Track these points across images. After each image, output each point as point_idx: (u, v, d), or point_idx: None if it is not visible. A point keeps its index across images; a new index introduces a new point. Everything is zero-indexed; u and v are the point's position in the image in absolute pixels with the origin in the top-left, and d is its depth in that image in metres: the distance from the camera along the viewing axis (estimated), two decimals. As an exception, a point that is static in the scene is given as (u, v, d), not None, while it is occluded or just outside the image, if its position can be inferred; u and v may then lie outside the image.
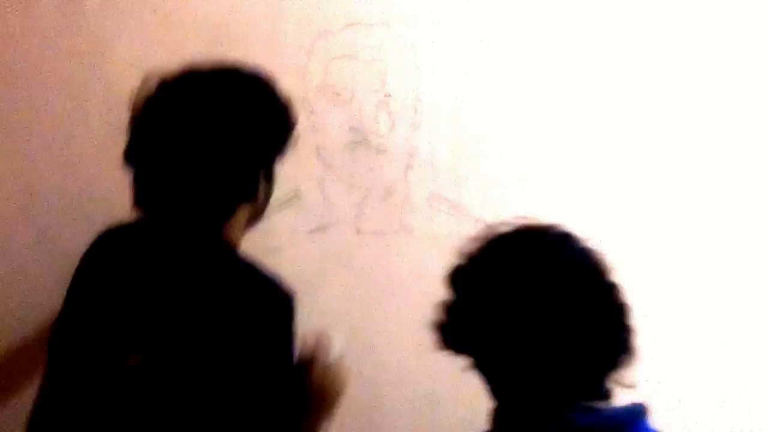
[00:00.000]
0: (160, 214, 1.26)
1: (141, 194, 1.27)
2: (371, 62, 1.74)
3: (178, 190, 1.24)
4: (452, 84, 1.78)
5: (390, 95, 1.74)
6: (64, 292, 1.34)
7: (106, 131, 1.58)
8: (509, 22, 1.80)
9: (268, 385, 1.24)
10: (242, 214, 1.31)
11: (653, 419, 1.10)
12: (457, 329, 1.21)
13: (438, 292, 1.76)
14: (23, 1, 1.55)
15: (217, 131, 1.23)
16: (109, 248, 1.31)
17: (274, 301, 1.26)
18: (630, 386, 1.11)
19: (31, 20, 1.56)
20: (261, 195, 1.33)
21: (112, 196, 1.59)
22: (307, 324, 1.63)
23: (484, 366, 1.18)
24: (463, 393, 1.77)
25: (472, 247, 1.21)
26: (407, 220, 1.77)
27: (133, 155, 1.27)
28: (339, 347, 1.34)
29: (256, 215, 1.36)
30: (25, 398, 1.59)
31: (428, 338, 1.76)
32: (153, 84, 1.27)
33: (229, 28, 1.47)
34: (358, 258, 1.70)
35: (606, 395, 1.10)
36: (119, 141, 1.53)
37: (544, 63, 1.82)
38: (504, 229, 1.21)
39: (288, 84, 1.41)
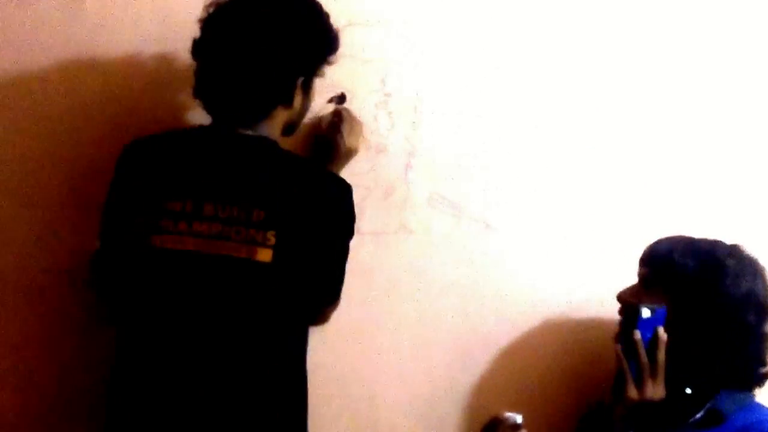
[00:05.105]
0: (213, 105, 1.49)
1: (199, 86, 1.48)
2: (371, 62, 1.73)
3: (227, 86, 1.45)
4: (452, 84, 1.78)
5: (390, 95, 1.74)
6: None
7: (105, 129, 1.58)
8: (509, 22, 1.81)
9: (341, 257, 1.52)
10: (279, 117, 1.50)
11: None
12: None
13: (438, 291, 1.77)
14: None
15: (265, 39, 1.43)
16: (158, 145, 1.48)
17: (338, 182, 1.52)
18: None
19: (30, 18, 1.56)
20: (297, 104, 1.51)
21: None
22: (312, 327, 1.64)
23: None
24: (462, 392, 1.78)
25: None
26: (407, 220, 1.76)
27: (197, 51, 1.48)
28: None
29: (291, 123, 1.55)
30: (26, 396, 1.60)
31: (427, 338, 1.77)
32: None
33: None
34: (358, 258, 1.70)
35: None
36: (119, 139, 1.55)
37: (544, 63, 1.82)
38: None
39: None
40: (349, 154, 1.66)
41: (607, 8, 1.85)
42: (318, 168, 1.56)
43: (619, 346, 1.48)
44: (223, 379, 1.41)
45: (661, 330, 1.47)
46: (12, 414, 1.59)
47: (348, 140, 1.64)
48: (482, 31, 1.79)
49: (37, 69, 1.57)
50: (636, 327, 1.47)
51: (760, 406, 1.55)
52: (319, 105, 1.68)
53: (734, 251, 1.55)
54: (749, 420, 1.49)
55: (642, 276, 1.60)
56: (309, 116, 1.66)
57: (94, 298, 1.58)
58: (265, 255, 1.40)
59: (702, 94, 1.89)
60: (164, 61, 1.59)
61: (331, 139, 1.65)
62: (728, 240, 1.58)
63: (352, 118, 1.67)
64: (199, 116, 1.55)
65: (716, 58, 1.90)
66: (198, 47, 1.47)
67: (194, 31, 1.53)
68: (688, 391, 1.51)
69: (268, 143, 1.48)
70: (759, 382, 1.55)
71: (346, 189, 1.51)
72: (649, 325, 1.47)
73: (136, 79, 1.60)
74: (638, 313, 1.47)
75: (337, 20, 1.54)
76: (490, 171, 1.80)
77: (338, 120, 1.66)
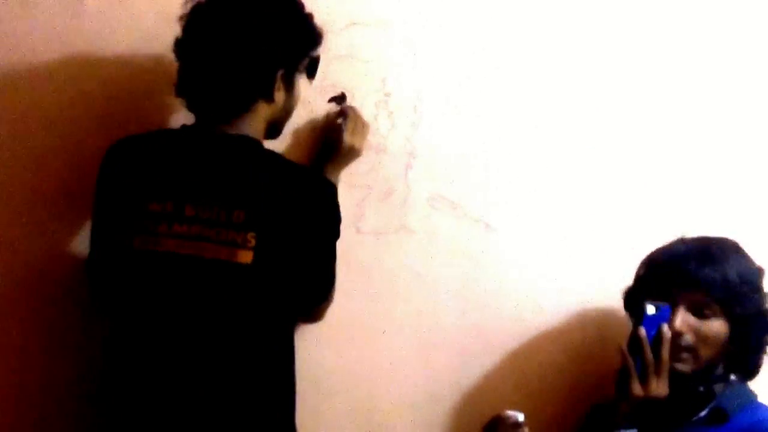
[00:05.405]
0: (193, 101, 1.48)
1: (180, 84, 1.48)
2: (371, 62, 1.74)
3: (206, 80, 1.45)
4: (452, 84, 1.78)
5: (390, 95, 1.74)
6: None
7: (105, 129, 1.58)
8: (509, 22, 1.81)
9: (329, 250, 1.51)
10: (261, 113, 1.48)
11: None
12: None
13: (438, 291, 1.77)
14: (23, -1, 1.56)
15: (241, 31, 1.43)
16: (140, 145, 1.48)
17: (321, 182, 1.53)
18: None
19: (30, 18, 1.55)
20: (279, 100, 1.49)
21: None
22: (306, 324, 1.65)
23: None
24: (463, 392, 1.78)
25: None
26: (407, 220, 1.76)
27: (178, 50, 1.47)
28: None
29: (275, 121, 1.53)
30: (26, 395, 1.60)
31: (427, 338, 1.77)
32: None
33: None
34: (358, 258, 1.70)
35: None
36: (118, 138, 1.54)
37: (544, 63, 1.82)
38: None
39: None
40: (351, 153, 1.65)
41: (607, 8, 1.85)
42: (301, 168, 1.55)
43: (624, 343, 1.49)
44: (206, 380, 1.41)
45: (665, 327, 1.47)
46: (10, 415, 1.59)
47: (351, 139, 1.64)
48: (482, 32, 1.79)
49: (37, 70, 1.57)
50: (641, 324, 1.47)
51: (763, 406, 1.55)
52: (323, 106, 1.69)
53: (735, 248, 1.57)
54: (752, 419, 1.50)
55: (694, 303, 1.52)
56: (317, 116, 1.67)
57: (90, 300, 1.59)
58: (245, 257, 1.40)
59: (701, 94, 1.89)
60: (164, 61, 1.59)
61: (335, 137, 1.65)
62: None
63: (357, 118, 1.67)
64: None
65: (716, 59, 1.90)
66: (178, 46, 1.48)
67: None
68: (701, 388, 1.52)
69: (251, 143, 1.47)
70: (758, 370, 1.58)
71: (329, 189, 1.51)
72: (654, 322, 1.47)
73: (135, 80, 1.60)
74: (643, 310, 1.47)
75: (337, 20, 1.54)
76: (490, 171, 1.80)
77: (343, 118, 1.66)
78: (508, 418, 1.59)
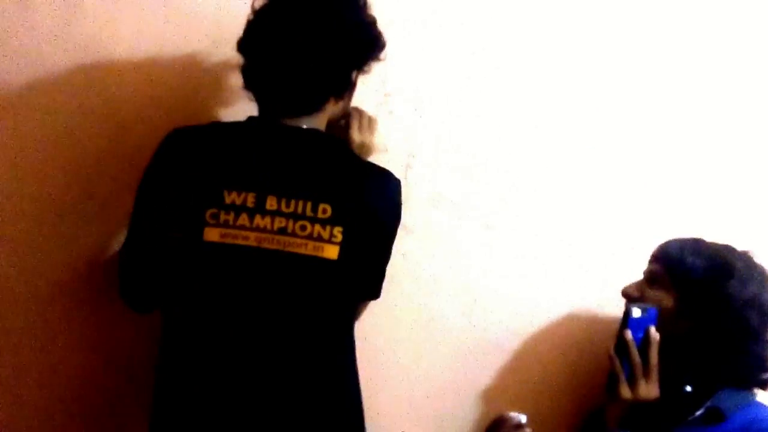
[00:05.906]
0: (266, 97, 1.45)
1: (251, 79, 1.44)
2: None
3: (286, 75, 1.41)
4: (452, 84, 1.78)
5: (390, 95, 1.74)
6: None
7: (105, 129, 1.58)
8: (509, 22, 1.81)
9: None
10: (328, 110, 1.47)
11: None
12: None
13: (438, 291, 1.77)
14: None
15: (325, 30, 1.40)
16: (206, 135, 1.44)
17: (395, 179, 1.50)
18: None
19: (30, 18, 1.55)
20: (346, 98, 1.50)
21: (112, 196, 1.60)
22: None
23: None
24: (463, 392, 1.78)
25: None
26: (407, 220, 1.75)
27: (247, 47, 1.44)
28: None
29: (332, 119, 1.51)
30: (26, 395, 1.60)
31: (427, 338, 1.77)
32: None
33: (230, 26, 1.47)
34: (358, 258, 1.70)
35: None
36: (120, 140, 1.54)
37: (544, 63, 1.82)
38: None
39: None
40: (363, 150, 1.61)
41: (607, 8, 1.85)
42: (374, 164, 1.54)
43: (611, 346, 1.49)
44: (286, 377, 1.39)
45: (653, 330, 1.48)
46: (14, 415, 1.60)
47: (359, 136, 1.59)
48: (482, 31, 1.79)
49: (36, 70, 1.56)
50: (626, 327, 1.48)
51: (760, 405, 1.56)
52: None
53: (744, 256, 1.57)
54: (749, 418, 1.50)
55: (650, 272, 1.61)
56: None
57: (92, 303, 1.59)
58: (331, 252, 1.37)
59: (702, 94, 1.90)
60: (164, 62, 1.59)
61: (342, 137, 1.61)
62: (730, 243, 1.59)
63: (361, 115, 1.64)
64: (203, 116, 1.56)
65: (717, 58, 1.90)
66: (252, 39, 1.43)
67: (198, 31, 1.53)
68: (688, 388, 1.52)
69: (325, 137, 1.46)
70: (761, 385, 1.57)
71: (400, 186, 1.50)
72: (641, 325, 1.49)
73: (136, 80, 1.60)
74: (629, 313, 1.48)
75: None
76: (490, 171, 1.80)
77: (346, 118, 1.63)
78: (511, 419, 1.60)
